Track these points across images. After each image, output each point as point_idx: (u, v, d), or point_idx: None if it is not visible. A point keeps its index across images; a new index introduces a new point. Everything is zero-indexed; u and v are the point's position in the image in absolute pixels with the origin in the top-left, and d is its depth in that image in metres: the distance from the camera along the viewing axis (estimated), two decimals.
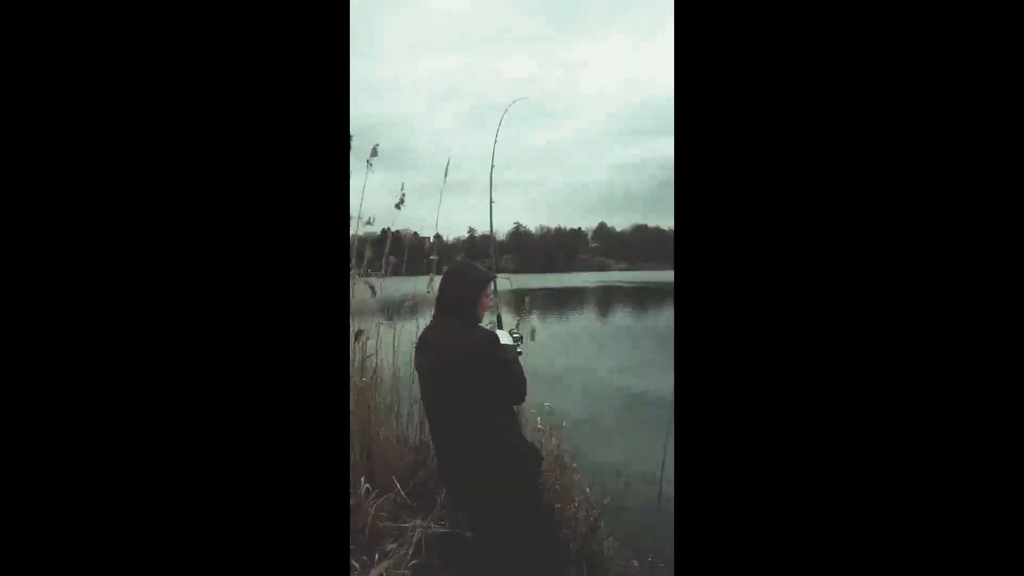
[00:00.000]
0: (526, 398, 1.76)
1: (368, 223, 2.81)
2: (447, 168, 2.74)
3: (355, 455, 2.39)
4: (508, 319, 2.22)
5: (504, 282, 2.21)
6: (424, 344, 1.74)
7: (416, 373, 1.80)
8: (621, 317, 17.79)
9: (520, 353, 1.88)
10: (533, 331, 2.72)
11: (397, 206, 2.72)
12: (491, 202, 2.24)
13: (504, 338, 1.80)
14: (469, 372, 1.61)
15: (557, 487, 2.49)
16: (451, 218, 3.06)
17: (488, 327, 1.90)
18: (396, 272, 2.88)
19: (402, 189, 2.76)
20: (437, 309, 1.76)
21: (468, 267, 1.84)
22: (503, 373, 1.67)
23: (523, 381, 1.75)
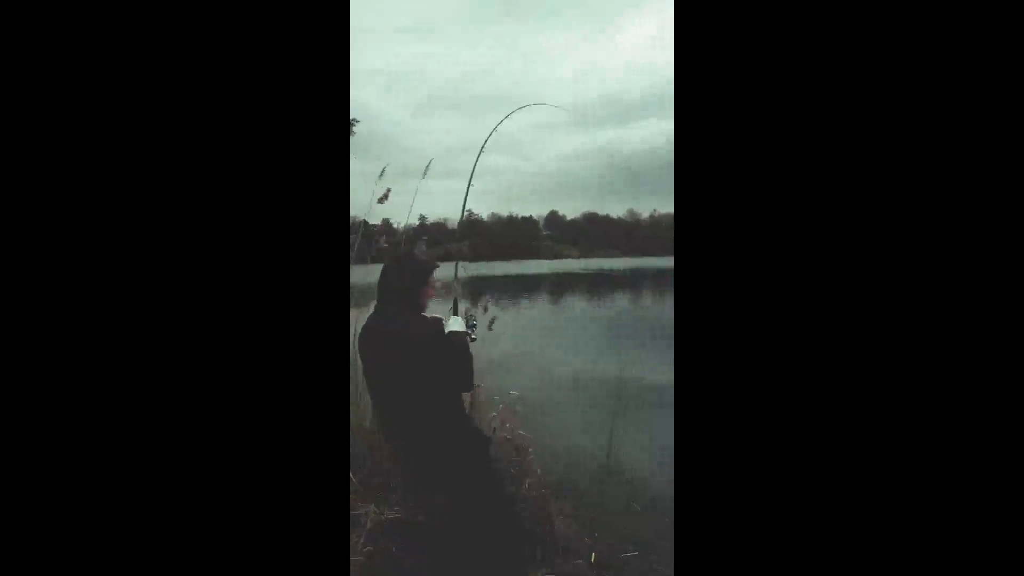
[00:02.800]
0: (483, 383, 1.79)
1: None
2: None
3: None
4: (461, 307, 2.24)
5: (460, 269, 2.23)
6: (367, 333, 1.74)
7: (360, 362, 1.80)
8: (573, 304, 18.07)
9: (474, 340, 1.90)
10: (493, 319, 2.74)
11: (380, 200, 2.68)
12: (468, 186, 2.22)
13: (457, 324, 1.82)
14: (412, 361, 1.63)
15: (512, 469, 2.55)
16: (405, 205, 3.04)
17: (448, 313, 1.92)
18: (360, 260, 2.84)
19: (380, 175, 2.72)
20: (379, 299, 1.76)
21: (410, 257, 1.86)
22: (447, 361, 1.69)
23: (470, 369, 1.77)
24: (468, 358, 1.78)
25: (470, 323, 1.89)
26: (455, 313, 1.92)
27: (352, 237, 2.80)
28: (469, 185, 2.21)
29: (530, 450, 2.65)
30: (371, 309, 1.82)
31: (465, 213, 2.34)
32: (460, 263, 2.28)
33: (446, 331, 1.80)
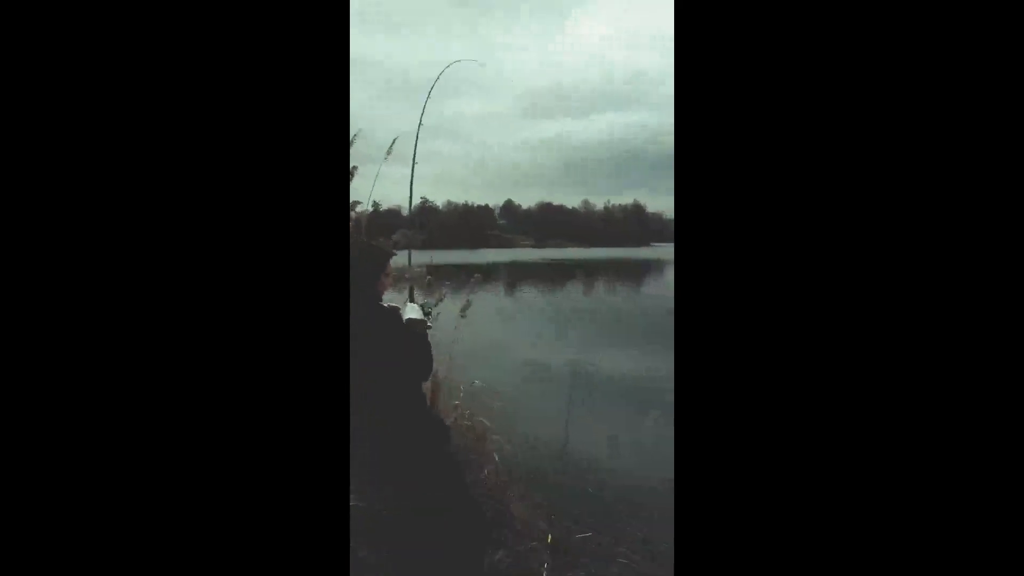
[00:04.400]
0: (445, 372, 1.81)
1: None
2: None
3: None
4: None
5: (424, 257, 2.23)
6: None
7: None
8: (528, 293, 18.23)
9: (430, 328, 1.92)
10: (468, 304, 2.73)
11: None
12: (412, 174, 2.22)
13: (414, 312, 1.84)
14: (370, 350, 1.63)
15: (472, 456, 2.58)
16: (358, 192, 2.99)
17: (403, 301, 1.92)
18: None
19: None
20: None
21: (367, 245, 1.86)
22: (405, 349, 1.70)
23: (429, 357, 1.79)
24: (426, 346, 1.80)
25: (426, 311, 1.91)
26: (411, 300, 1.93)
27: None
28: (413, 164, 2.20)
29: (494, 438, 2.69)
30: None
31: (420, 200, 2.36)
32: (417, 251, 2.28)
33: (404, 319, 1.81)
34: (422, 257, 2.35)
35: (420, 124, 2.26)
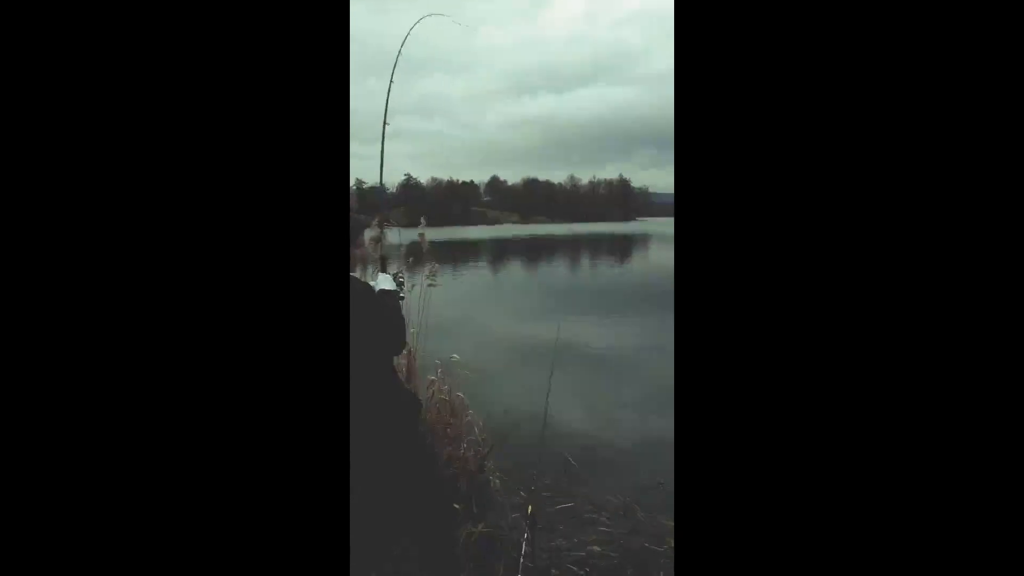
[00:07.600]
0: (420, 346, 1.78)
1: None
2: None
3: None
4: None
5: (394, 234, 2.19)
6: None
7: None
8: (512, 269, 18.26)
9: (403, 299, 1.89)
10: (435, 270, 2.71)
11: None
12: (382, 150, 2.17)
13: (386, 283, 1.81)
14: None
15: (449, 431, 2.58)
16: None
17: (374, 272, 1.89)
18: None
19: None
20: None
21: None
22: (377, 322, 1.68)
23: (401, 330, 1.76)
24: (400, 319, 1.77)
25: (398, 280, 1.88)
26: (383, 270, 1.89)
27: None
28: (384, 130, 2.15)
29: (469, 412, 2.69)
30: None
31: (403, 177, 2.31)
32: (397, 228, 2.24)
33: (376, 290, 1.78)
34: (403, 234, 2.31)
35: (391, 81, 2.19)
